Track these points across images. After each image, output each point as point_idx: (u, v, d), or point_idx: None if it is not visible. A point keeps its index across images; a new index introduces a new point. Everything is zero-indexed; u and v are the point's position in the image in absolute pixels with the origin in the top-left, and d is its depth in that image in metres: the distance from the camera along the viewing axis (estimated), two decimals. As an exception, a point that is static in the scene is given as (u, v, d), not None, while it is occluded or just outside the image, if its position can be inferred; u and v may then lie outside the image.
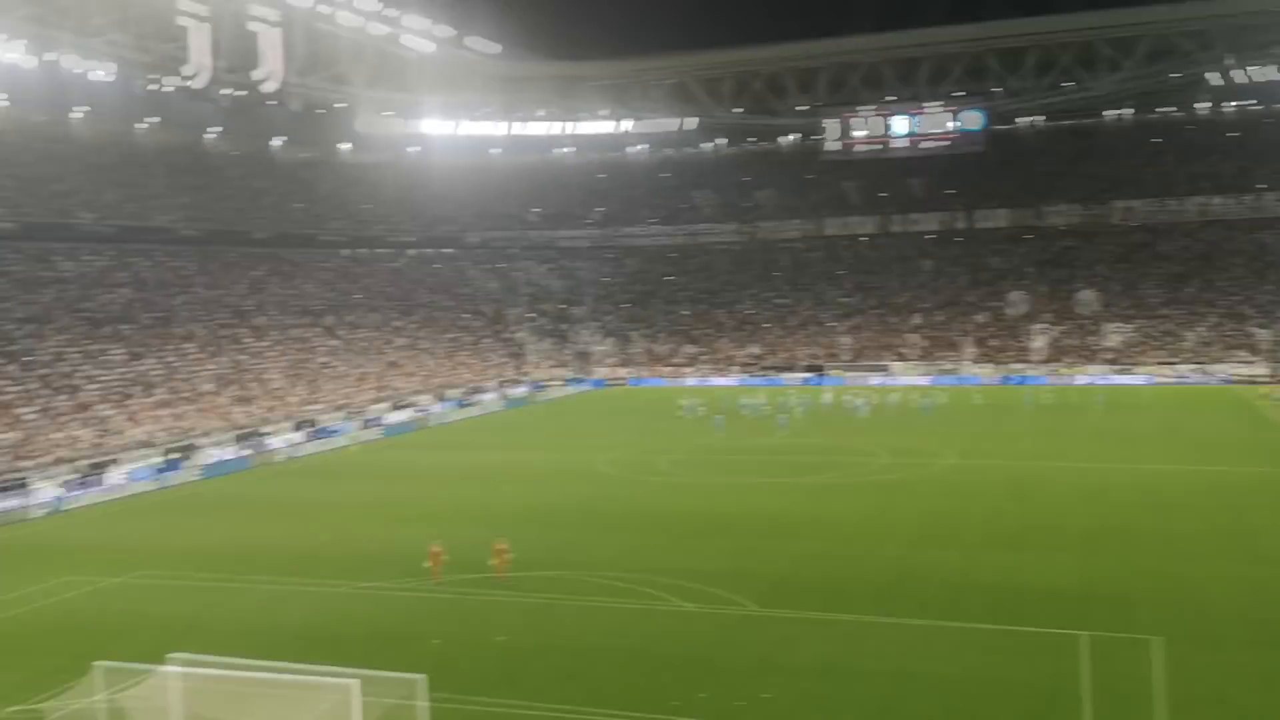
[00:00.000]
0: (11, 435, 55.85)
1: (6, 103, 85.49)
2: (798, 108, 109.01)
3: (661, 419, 73.14)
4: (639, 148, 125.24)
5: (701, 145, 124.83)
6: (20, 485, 51.18)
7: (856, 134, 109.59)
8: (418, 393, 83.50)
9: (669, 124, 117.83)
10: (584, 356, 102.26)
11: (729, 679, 24.23)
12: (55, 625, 30.92)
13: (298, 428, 69.21)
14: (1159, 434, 60.37)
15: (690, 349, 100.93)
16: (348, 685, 19.18)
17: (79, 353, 67.99)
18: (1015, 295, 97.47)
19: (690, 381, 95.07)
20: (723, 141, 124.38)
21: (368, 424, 73.22)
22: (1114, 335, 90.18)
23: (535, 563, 34.85)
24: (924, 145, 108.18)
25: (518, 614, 29.84)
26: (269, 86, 73.76)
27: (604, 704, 22.97)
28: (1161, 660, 24.40)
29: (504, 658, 26.33)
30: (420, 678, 20.18)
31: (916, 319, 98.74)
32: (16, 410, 58.61)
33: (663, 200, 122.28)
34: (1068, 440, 58.66)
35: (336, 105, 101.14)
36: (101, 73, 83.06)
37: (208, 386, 70.81)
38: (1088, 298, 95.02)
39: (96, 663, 21.61)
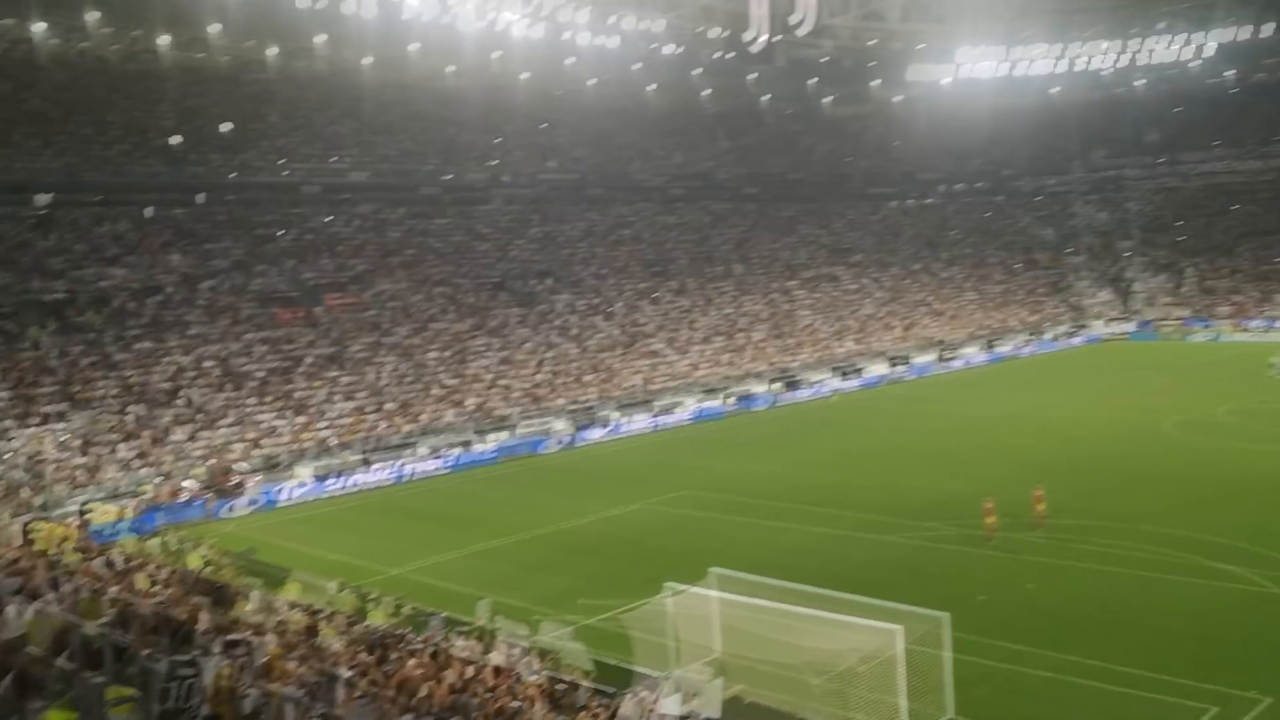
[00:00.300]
0: (595, 377, 63.17)
1: (595, 81, 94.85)
2: None
3: (1238, 375, 65.01)
4: (1208, 67, 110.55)
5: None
6: (598, 418, 57.97)
7: None
8: (966, 339, 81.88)
9: (1244, 36, 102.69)
10: (1137, 300, 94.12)
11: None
12: (612, 538, 34.69)
13: (836, 371, 71.14)
14: None
15: (1271, 293, 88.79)
16: (892, 631, 19.29)
17: (645, 301, 75.05)
18: None
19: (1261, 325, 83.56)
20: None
21: (897, 365, 73.39)
22: None
23: (1080, 517, 32.95)
24: None
25: (1060, 571, 28.42)
26: (804, 29, 74.84)
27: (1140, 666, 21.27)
28: None
29: (1042, 610, 25.27)
30: (944, 615, 19.93)
31: None
32: (597, 352, 66.17)
33: (1244, 125, 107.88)
34: None
35: (868, 44, 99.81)
36: (672, 45, 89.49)
37: (755, 331, 74.96)
38: None
39: (667, 583, 23.61)
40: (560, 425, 56.02)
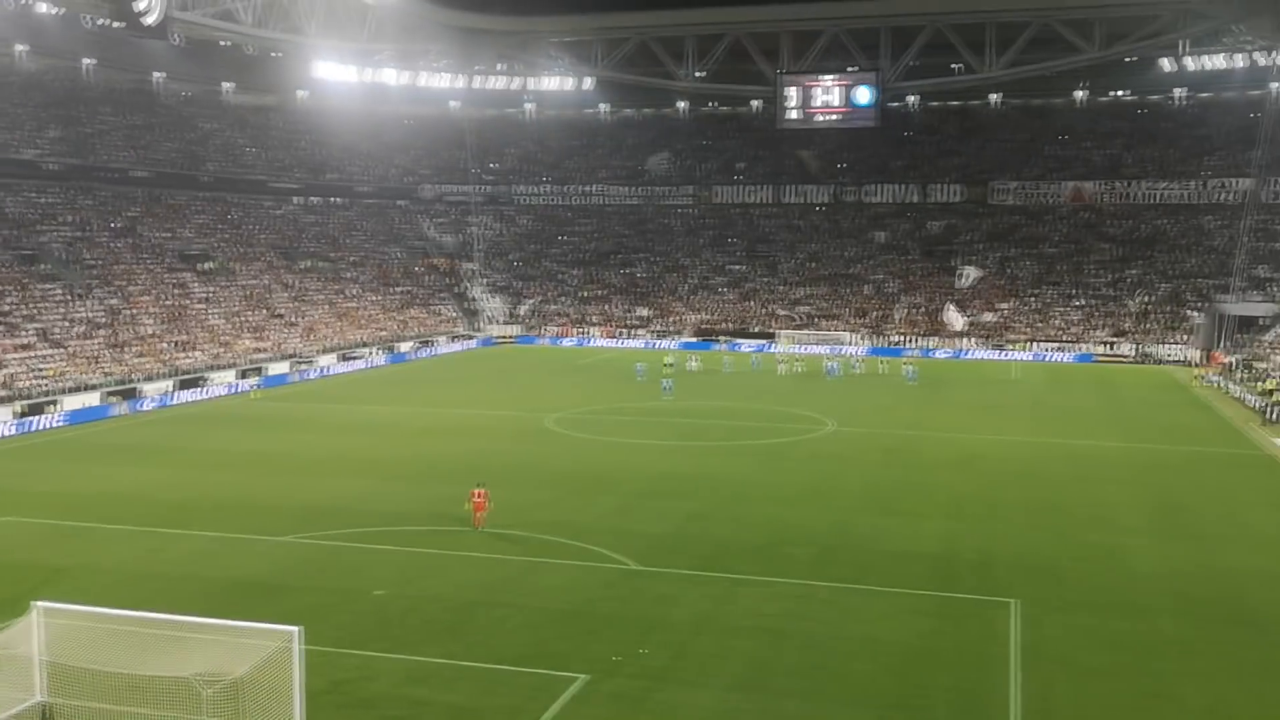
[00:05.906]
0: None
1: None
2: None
3: (554, 376, 73.68)
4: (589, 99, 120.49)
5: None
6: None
7: (813, 104, 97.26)
8: (315, 348, 79.57)
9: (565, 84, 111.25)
10: (479, 314, 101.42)
11: (610, 633, 24.75)
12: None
13: (239, 371, 69.16)
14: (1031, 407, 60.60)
15: (635, 305, 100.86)
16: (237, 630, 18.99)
17: (12, 287, 67.09)
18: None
19: (585, 342, 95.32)
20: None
21: (245, 374, 69.83)
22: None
23: (414, 516, 34.89)
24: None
25: (394, 568, 29.64)
26: (150, 19, 68.96)
27: (483, 658, 23.33)
28: (1017, 621, 25.52)
29: (380, 612, 26.24)
30: (295, 630, 19.22)
31: (803, 291, 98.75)
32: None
33: (562, 161, 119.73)
34: (944, 412, 58.38)
35: (275, 35, 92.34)
36: (45, 6, 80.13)
37: (143, 325, 70.35)
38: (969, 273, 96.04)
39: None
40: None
